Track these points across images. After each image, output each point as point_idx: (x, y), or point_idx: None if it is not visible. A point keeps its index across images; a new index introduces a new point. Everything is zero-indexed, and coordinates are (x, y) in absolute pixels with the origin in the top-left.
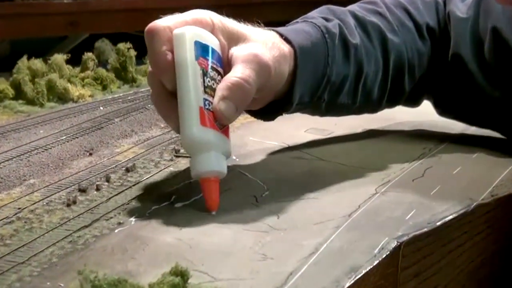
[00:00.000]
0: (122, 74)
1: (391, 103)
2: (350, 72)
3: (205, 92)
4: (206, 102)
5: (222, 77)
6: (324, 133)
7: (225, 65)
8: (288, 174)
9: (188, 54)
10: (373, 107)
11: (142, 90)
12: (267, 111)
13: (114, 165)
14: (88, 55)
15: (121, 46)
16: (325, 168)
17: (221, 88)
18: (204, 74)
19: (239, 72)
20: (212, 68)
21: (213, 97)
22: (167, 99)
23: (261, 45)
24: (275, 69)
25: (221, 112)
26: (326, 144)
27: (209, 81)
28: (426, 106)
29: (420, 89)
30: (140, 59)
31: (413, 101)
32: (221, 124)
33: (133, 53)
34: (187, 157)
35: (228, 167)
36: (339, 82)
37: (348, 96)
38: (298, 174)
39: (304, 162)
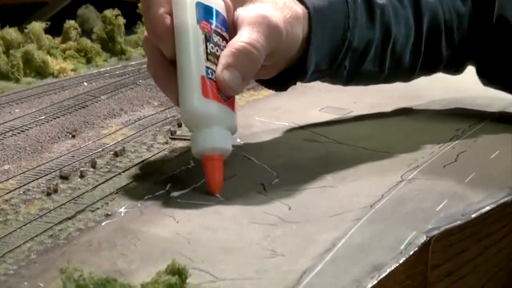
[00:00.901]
0: (109, 45)
1: (427, 71)
2: (376, 36)
3: (208, 59)
4: (209, 71)
5: (227, 42)
6: (342, 112)
7: (231, 29)
8: (300, 159)
9: (189, 17)
10: (405, 75)
11: (132, 63)
12: (280, 80)
13: (100, 149)
14: (70, 23)
15: (108, 13)
16: (343, 153)
17: (225, 55)
18: (207, 39)
19: (245, 36)
20: (216, 32)
21: (216, 65)
22: (166, 68)
23: (271, 6)
24: (286, 32)
25: (225, 82)
26: (344, 125)
27: (212, 48)
28: (462, 81)
29: (461, 54)
30: (129, 28)
31: (454, 68)
32: (226, 96)
33: (121, 21)
34: (184, 139)
35: (232, 150)
36: (362, 47)
37: (374, 63)
38: (311, 159)
39: (319, 146)
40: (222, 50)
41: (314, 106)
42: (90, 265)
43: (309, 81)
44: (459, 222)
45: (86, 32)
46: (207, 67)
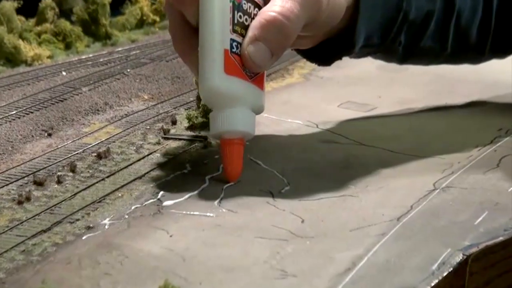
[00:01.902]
0: (92, 28)
1: (500, 52)
2: (437, 7)
3: (234, 31)
4: (234, 44)
5: (260, 10)
6: (365, 108)
7: None
8: (316, 163)
9: None
10: (472, 56)
11: (119, 49)
12: (323, 52)
13: (81, 150)
14: (46, 2)
15: None
16: (366, 156)
17: (254, 26)
18: (235, 7)
19: (278, 5)
20: None
21: (243, 37)
22: (188, 34)
23: None
24: (328, 1)
25: (250, 58)
26: (367, 123)
27: (240, 17)
28: (503, 73)
29: None
30: (115, 8)
31: None
32: (252, 72)
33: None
34: (179, 139)
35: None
36: (420, 19)
37: (435, 39)
38: (329, 164)
39: (337, 148)
40: (253, 19)
41: (332, 101)
42: (68, 286)
43: (359, 56)
44: (501, 238)
45: (65, 12)
46: (232, 40)
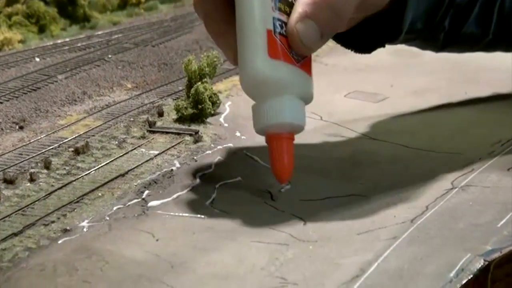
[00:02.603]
0: (69, 10)
1: None
2: None
3: (277, 8)
4: (278, 24)
5: None
6: (375, 98)
7: None
8: (320, 159)
9: None
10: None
11: (99, 33)
12: (364, 39)
13: (56, 145)
14: None
15: None
16: (377, 151)
17: (303, 2)
18: None
19: None
20: None
21: (288, 15)
22: (223, 13)
23: None
24: None
25: (299, 37)
26: (378, 115)
27: None
28: None
29: None
30: None
31: None
32: (299, 55)
33: None
34: (166, 132)
35: (231, 148)
36: (464, 3)
37: (477, 24)
38: (334, 160)
39: (344, 142)
40: None
41: (338, 90)
42: None
43: (398, 42)
44: None
45: None
46: (276, 19)
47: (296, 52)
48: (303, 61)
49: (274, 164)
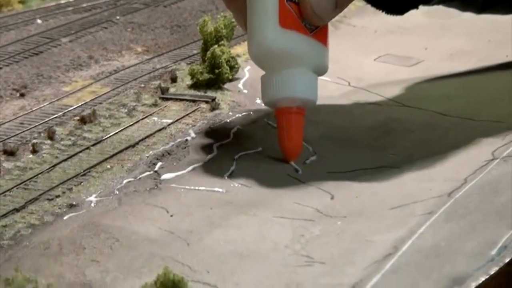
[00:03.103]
0: None
1: None
2: None
3: None
4: None
5: None
6: (408, 62)
7: None
8: (349, 128)
9: None
10: None
11: None
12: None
13: (61, 113)
14: None
15: None
16: (410, 119)
17: None
18: None
19: None
20: None
21: None
22: None
23: None
24: None
25: (311, 6)
26: (411, 81)
27: None
28: None
29: None
30: None
31: None
32: (312, 25)
33: None
34: (180, 99)
35: (251, 116)
36: None
37: None
38: (365, 129)
39: (375, 110)
40: None
41: (367, 53)
42: (47, 275)
43: (434, 3)
44: None
45: None
46: None
47: (308, 21)
48: (316, 31)
49: (282, 140)
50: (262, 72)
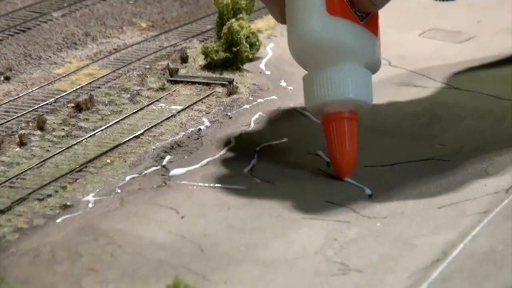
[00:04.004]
0: None
1: None
2: None
3: None
4: None
5: None
6: (458, 38)
7: None
8: (390, 115)
9: None
10: None
11: None
12: None
13: (52, 99)
14: None
15: None
16: (461, 104)
17: None
18: None
19: None
20: None
21: None
22: None
23: None
24: None
25: None
26: (461, 59)
27: None
28: None
29: None
30: None
31: None
32: (363, 12)
33: None
34: (192, 82)
35: (275, 102)
36: None
37: None
38: (408, 116)
39: (420, 93)
40: None
41: (410, 28)
42: (38, 286)
43: None
44: None
45: None
46: None
47: (359, 8)
48: (368, 18)
49: (333, 151)
50: (288, 51)
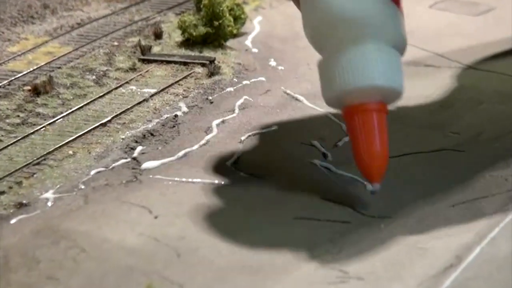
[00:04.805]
0: None
1: None
2: None
3: None
4: None
5: None
6: (475, 10)
7: None
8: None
9: None
10: None
11: None
12: None
13: (5, 82)
14: None
15: None
16: (478, 86)
17: None
18: None
19: None
20: None
21: None
22: None
23: None
24: None
25: None
26: (478, 35)
27: None
28: None
29: None
30: None
31: None
32: None
33: None
34: (170, 61)
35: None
36: None
37: None
38: (418, 100)
39: (432, 74)
40: None
41: None
42: None
43: None
44: None
45: None
46: None
47: None
48: None
49: (360, 151)
50: (278, 25)
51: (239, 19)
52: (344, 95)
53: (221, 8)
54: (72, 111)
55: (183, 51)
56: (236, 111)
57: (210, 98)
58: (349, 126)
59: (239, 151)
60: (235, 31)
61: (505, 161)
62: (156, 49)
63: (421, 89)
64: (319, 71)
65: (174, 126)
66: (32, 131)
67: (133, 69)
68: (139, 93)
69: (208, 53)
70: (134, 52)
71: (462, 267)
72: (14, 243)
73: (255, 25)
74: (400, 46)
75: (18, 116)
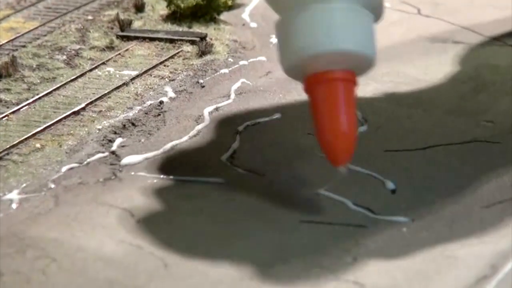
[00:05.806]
0: None
1: None
2: None
3: None
4: None
5: None
6: None
7: None
8: (420, 81)
9: None
10: None
11: None
12: None
13: None
14: None
15: None
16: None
17: None
18: None
19: None
20: None
21: None
22: None
23: None
24: None
25: None
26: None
27: None
28: None
29: None
30: None
31: None
32: None
33: None
34: (154, 38)
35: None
36: None
37: None
38: (444, 83)
39: (460, 52)
40: None
41: None
42: None
43: None
44: None
45: None
46: None
47: None
48: None
49: (322, 129)
50: None
51: None
52: (305, 62)
53: None
54: (40, 97)
55: (169, 26)
56: (232, 96)
57: (201, 81)
58: (311, 99)
59: (236, 143)
60: (230, 3)
61: None
62: (137, 24)
63: (449, 69)
64: (276, 35)
65: (159, 115)
66: None
67: (110, 47)
68: (117, 76)
69: (198, 29)
70: (112, 28)
71: (497, 279)
72: None
73: None
74: (374, 7)
75: None
